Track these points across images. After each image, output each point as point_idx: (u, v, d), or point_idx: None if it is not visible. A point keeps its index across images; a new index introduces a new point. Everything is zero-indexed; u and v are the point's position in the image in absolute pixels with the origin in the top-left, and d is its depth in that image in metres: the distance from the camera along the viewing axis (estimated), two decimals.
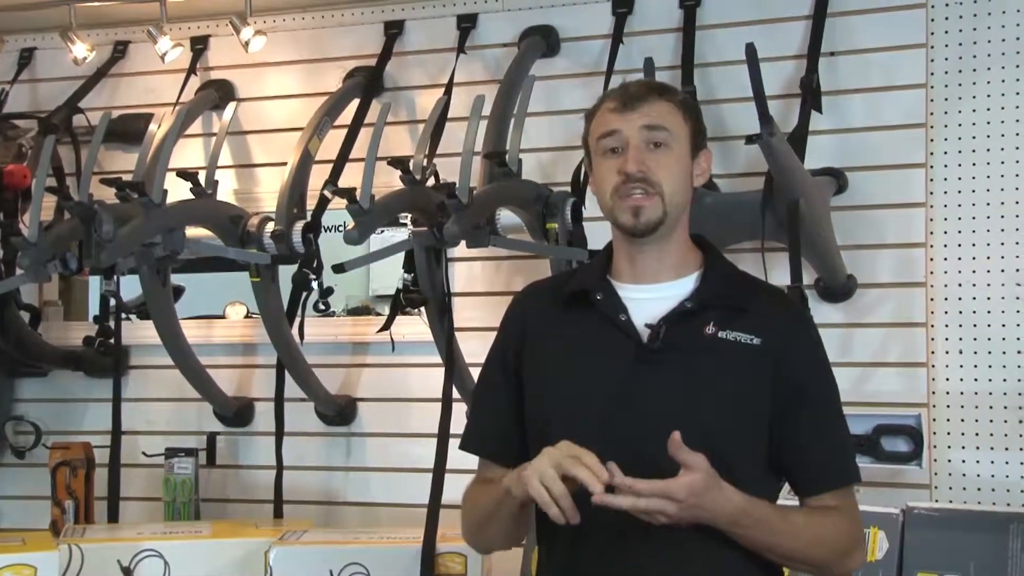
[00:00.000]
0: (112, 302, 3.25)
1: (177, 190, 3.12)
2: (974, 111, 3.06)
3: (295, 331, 3.23)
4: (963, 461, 3.00)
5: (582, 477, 1.73)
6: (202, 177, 3.24)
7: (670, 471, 1.76)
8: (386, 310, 3.34)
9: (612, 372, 1.90)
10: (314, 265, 3.15)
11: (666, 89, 2.00)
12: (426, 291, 3.04)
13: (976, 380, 3.01)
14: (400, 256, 3.10)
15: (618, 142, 1.93)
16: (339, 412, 3.50)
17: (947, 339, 3.04)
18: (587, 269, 2.06)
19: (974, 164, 3.05)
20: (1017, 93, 3.02)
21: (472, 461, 2.12)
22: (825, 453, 1.94)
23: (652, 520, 1.76)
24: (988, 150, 3.04)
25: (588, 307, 1.96)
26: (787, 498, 1.99)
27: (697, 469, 1.75)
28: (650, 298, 1.94)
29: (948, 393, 3.03)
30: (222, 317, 3.83)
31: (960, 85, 3.07)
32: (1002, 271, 3.01)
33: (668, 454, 1.75)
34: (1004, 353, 2.99)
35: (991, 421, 2.99)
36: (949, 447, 3.01)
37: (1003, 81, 3.03)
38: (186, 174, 3.15)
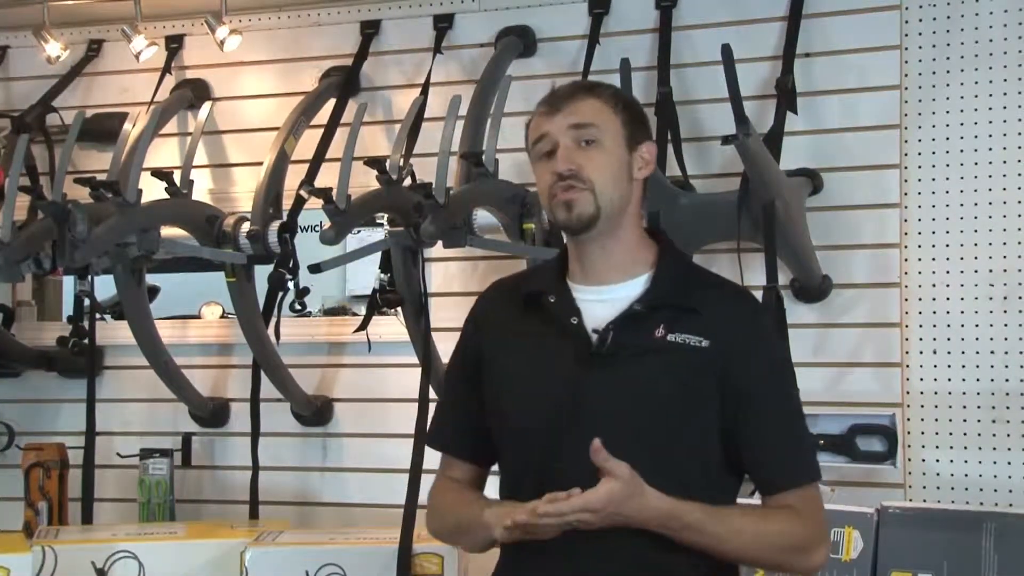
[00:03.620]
0: (86, 302, 3.23)
1: (152, 190, 3.11)
2: (948, 112, 3.07)
3: (271, 331, 3.22)
4: (937, 461, 3.02)
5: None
6: (177, 177, 3.23)
7: None
8: (362, 310, 3.33)
9: (561, 376, 1.91)
10: (290, 265, 3.14)
11: (595, 86, 2.00)
12: (403, 291, 3.04)
13: (950, 380, 3.03)
14: (377, 256, 3.09)
15: (550, 144, 1.93)
16: (315, 412, 3.49)
17: (921, 339, 3.06)
18: (544, 269, 2.07)
19: (948, 165, 3.07)
20: (990, 94, 3.04)
21: None
22: (780, 453, 1.92)
23: (578, 527, 1.79)
24: (962, 151, 3.06)
25: (543, 309, 1.97)
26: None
27: (618, 477, 1.77)
28: (602, 300, 1.94)
29: (922, 393, 3.04)
30: (197, 317, 3.82)
31: (934, 86, 3.09)
32: (976, 271, 3.03)
33: (626, 456, 1.79)
34: (978, 353, 3.01)
35: (965, 421, 3.01)
36: (923, 447, 3.03)
37: (976, 83, 3.05)
38: (161, 174, 3.14)
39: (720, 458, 1.92)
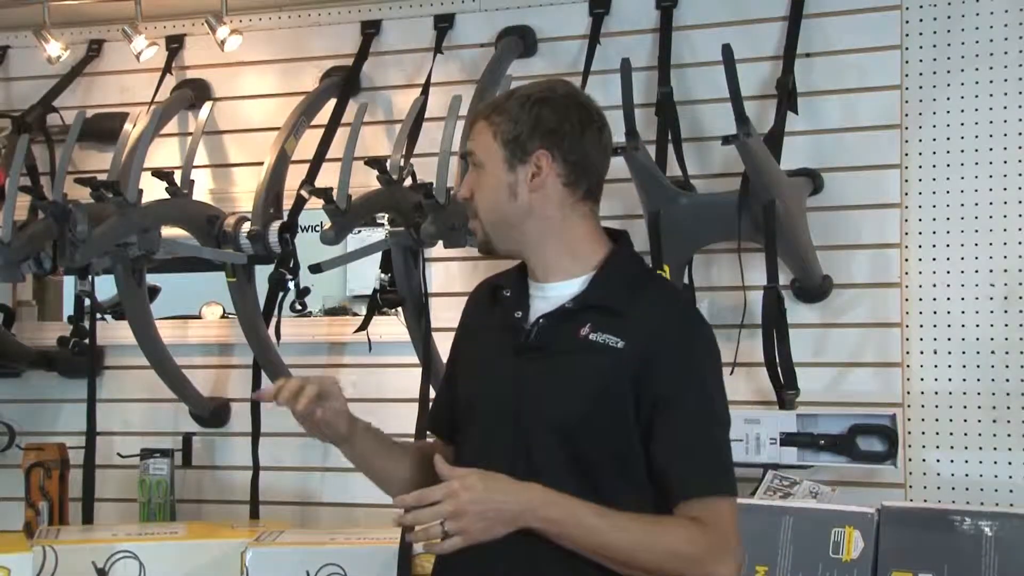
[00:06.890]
0: (87, 302, 3.23)
1: (152, 190, 3.11)
2: (948, 112, 3.07)
3: (271, 331, 3.22)
4: (937, 460, 3.02)
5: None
6: (178, 177, 3.23)
7: (541, 465, 1.86)
8: (363, 310, 3.34)
9: (499, 368, 1.98)
10: (291, 265, 3.15)
11: (489, 108, 2.02)
12: (403, 291, 3.04)
13: (951, 380, 3.03)
14: (377, 256, 3.10)
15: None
16: None
17: (922, 339, 3.06)
18: (515, 267, 2.10)
19: (948, 165, 3.07)
20: (991, 95, 3.04)
21: None
22: (684, 463, 1.89)
23: (463, 536, 1.80)
24: (962, 151, 3.06)
25: (502, 303, 2.04)
26: None
27: (462, 474, 1.83)
28: (544, 297, 1.99)
29: (923, 393, 3.04)
30: (198, 317, 3.82)
31: (935, 86, 3.09)
32: (976, 271, 3.03)
33: (541, 450, 1.87)
34: (978, 353, 3.01)
35: (965, 421, 3.01)
36: (924, 447, 3.03)
37: (977, 83, 3.05)
38: (161, 174, 3.15)
39: (642, 463, 1.90)
